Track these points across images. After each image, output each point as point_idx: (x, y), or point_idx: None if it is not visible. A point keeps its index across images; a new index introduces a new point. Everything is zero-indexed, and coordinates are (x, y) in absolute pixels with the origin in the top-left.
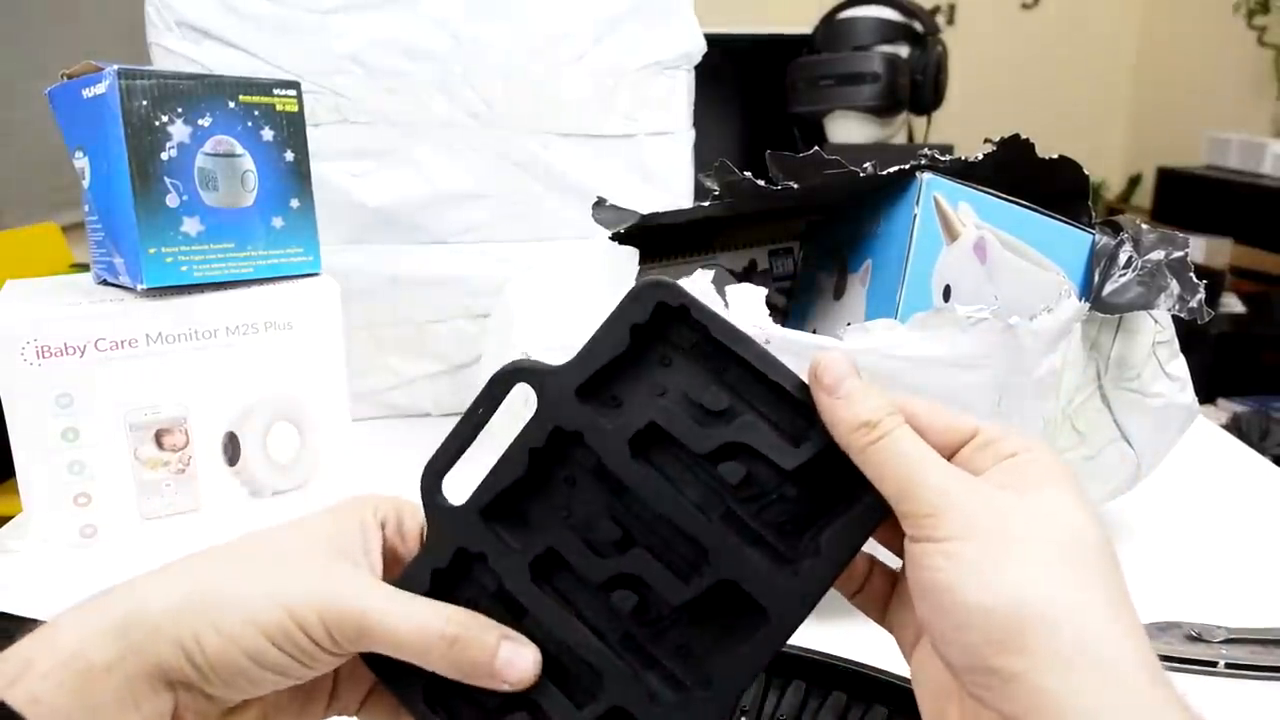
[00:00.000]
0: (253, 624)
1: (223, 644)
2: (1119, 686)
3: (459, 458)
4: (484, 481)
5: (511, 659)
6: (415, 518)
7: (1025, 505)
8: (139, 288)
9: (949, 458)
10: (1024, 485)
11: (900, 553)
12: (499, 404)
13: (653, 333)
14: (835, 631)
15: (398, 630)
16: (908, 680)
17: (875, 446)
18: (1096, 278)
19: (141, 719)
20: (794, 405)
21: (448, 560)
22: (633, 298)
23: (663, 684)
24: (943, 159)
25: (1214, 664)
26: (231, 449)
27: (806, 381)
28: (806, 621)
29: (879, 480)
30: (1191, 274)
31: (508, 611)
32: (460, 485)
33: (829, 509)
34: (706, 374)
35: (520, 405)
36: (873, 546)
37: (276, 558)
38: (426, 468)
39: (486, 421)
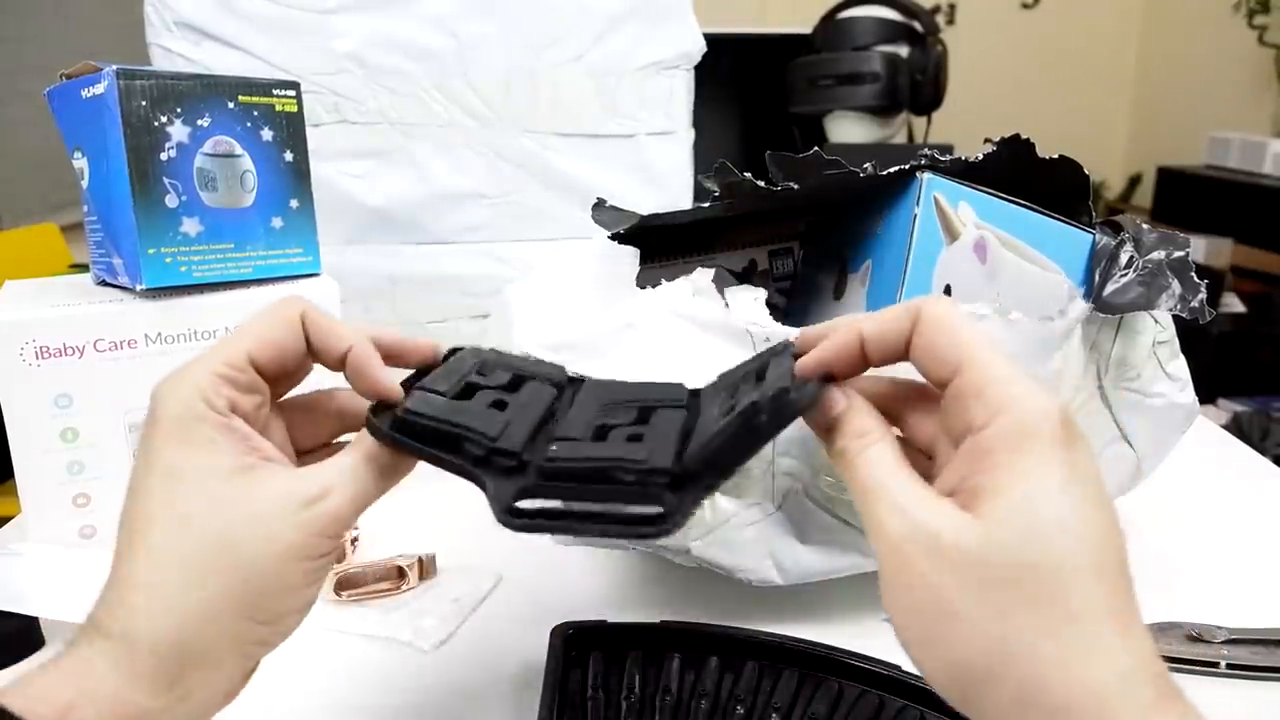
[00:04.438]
0: (280, 593)
1: (265, 624)
2: None
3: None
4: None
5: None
6: (248, 386)
7: (965, 543)
8: (138, 288)
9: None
10: (982, 486)
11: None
12: None
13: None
14: (829, 625)
15: (366, 490)
16: (898, 667)
17: (844, 473)
18: (1097, 278)
19: None
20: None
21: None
22: None
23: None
24: (943, 159)
25: (1215, 665)
26: None
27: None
28: (802, 616)
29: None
30: (1193, 274)
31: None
32: None
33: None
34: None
35: None
36: None
37: (232, 530)
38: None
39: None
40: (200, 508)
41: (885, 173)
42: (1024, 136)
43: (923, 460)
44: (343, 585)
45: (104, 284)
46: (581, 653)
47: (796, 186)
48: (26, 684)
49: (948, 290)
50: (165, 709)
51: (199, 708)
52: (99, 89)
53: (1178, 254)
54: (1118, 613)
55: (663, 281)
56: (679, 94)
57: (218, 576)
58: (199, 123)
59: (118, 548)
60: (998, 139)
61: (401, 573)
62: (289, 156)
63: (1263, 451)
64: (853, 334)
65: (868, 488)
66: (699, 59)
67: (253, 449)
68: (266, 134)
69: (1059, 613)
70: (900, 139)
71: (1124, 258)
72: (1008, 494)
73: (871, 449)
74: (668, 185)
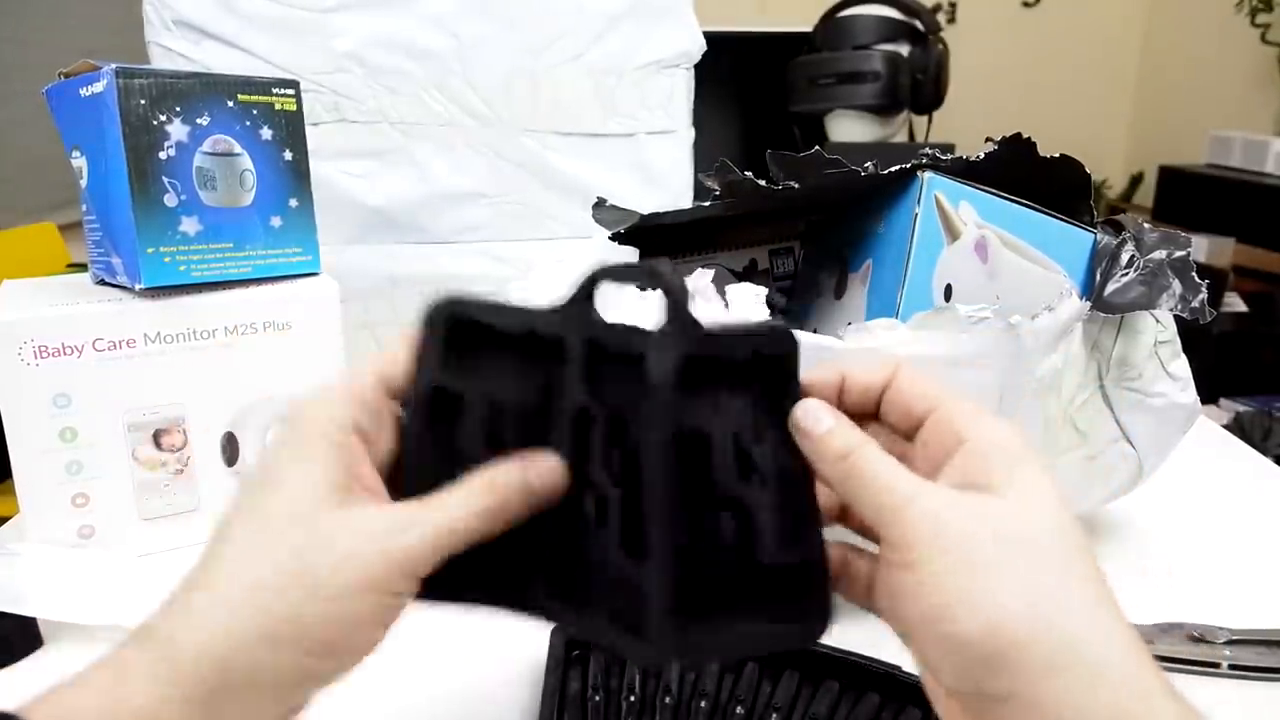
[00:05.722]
0: (346, 626)
1: (321, 661)
2: (1107, 684)
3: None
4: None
5: (541, 474)
6: (375, 412)
7: (992, 511)
8: (137, 287)
9: (912, 434)
10: (989, 479)
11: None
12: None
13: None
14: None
15: (451, 531)
16: (897, 668)
17: (848, 475)
18: (1098, 277)
19: None
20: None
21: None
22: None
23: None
24: (944, 158)
25: (1217, 665)
26: (230, 449)
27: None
28: None
29: (857, 505)
30: (1194, 273)
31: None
32: None
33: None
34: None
35: None
36: (846, 535)
37: (310, 546)
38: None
39: None
40: (283, 523)
41: (886, 172)
42: (1025, 135)
43: None
44: None
45: (103, 283)
46: (582, 653)
47: (797, 186)
48: (56, 697)
49: (949, 290)
50: None
51: None
52: (98, 88)
53: (1179, 253)
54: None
55: None
56: (679, 93)
57: (283, 598)
58: (198, 121)
59: (203, 550)
60: (999, 138)
61: None
62: (288, 155)
63: (1264, 452)
64: (836, 371)
65: (889, 479)
66: (699, 58)
67: (356, 476)
68: (266, 133)
69: (1080, 573)
70: (901, 138)
71: (1125, 257)
72: (1019, 483)
73: (872, 450)
74: (668, 184)
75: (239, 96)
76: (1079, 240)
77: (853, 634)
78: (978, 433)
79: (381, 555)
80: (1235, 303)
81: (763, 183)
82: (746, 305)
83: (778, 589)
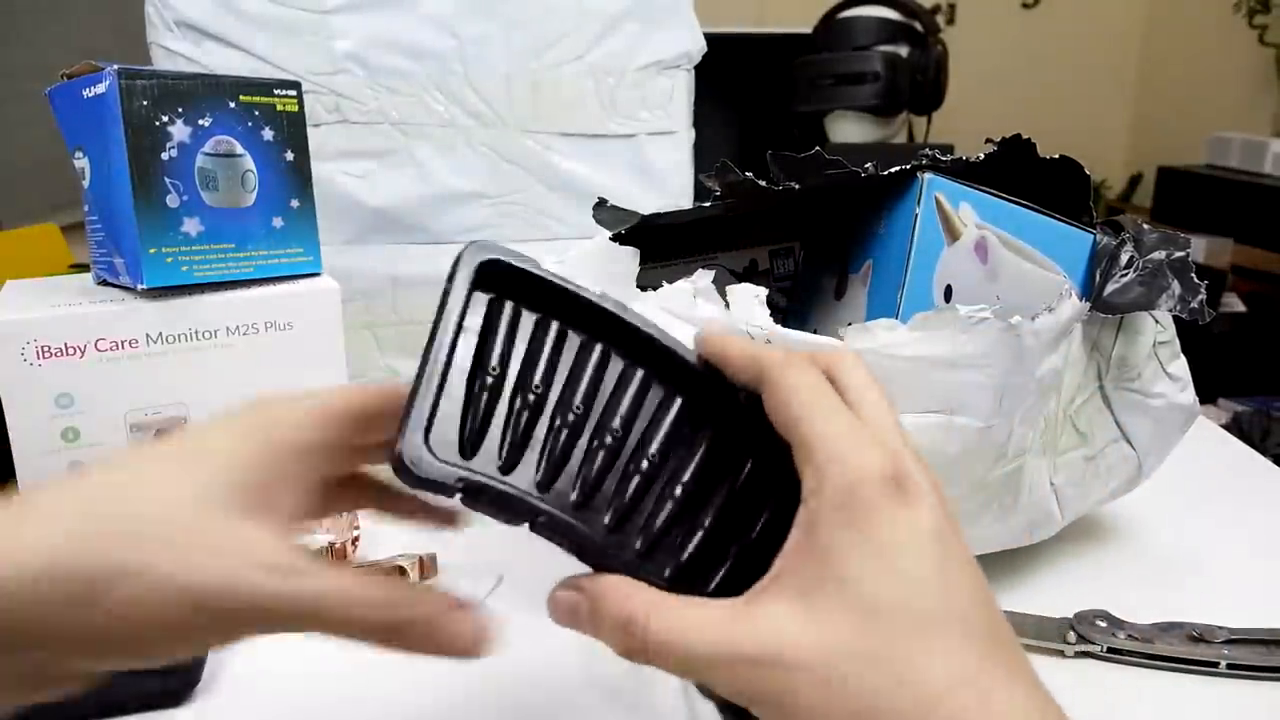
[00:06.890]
0: (152, 630)
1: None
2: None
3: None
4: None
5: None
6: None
7: (812, 648)
8: (139, 288)
9: None
10: (814, 579)
11: None
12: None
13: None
14: None
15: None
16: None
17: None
18: (1098, 278)
19: None
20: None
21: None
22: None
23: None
24: (944, 159)
25: (1215, 664)
26: None
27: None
28: None
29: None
30: (1193, 274)
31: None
32: None
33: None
34: None
35: None
36: None
37: (177, 529)
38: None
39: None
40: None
41: (886, 173)
42: (1025, 136)
43: None
44: None
45: (105, 284)
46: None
47: (797, 186)
48: None
49: (949, 291)
50: None
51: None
52: (100, 89)
53: (1178, 254)
54: (986, 672)
55: (663, 283)
56: (679, 94)
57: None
58: (200, 122)
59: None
60: (999, 139)
61: (402, 572)
62: (290, 156)
63: (1263, 451)
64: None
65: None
66: (699, 59)
67: (269, 492)
68: (267, 134)
69: (918, 694)
70: (901, 139)
71: (1124, 258)
72: (835, 581)
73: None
74: (668, 185)
75: (241, 98)
76: (1079, 241)
77: None
78: (815, 485)
79: (169, 589)
80: (1234, 303)
81: (763, 183)
82: (746, 305)
83: None
